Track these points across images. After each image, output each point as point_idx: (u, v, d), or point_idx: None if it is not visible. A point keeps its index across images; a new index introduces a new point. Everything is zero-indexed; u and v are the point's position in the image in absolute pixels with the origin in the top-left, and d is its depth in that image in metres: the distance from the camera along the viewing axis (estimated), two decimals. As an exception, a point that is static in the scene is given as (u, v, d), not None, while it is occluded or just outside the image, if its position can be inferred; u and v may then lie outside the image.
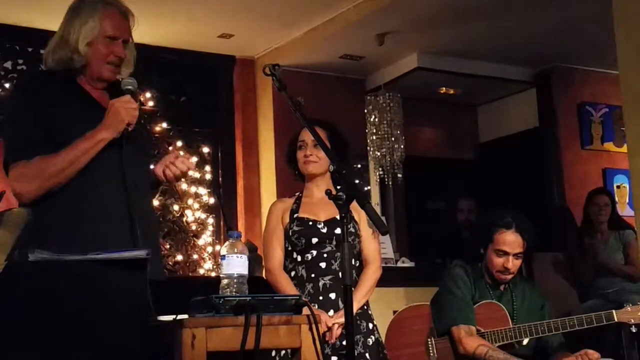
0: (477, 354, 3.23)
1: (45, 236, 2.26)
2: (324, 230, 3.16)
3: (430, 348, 3.34)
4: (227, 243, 2.33)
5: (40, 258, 2.20)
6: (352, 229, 3.15)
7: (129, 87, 2.43)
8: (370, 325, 3.19)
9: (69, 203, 2.28)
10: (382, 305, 3.64)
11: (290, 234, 3.17)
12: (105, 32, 2.43)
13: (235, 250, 2.29)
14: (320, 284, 3.12)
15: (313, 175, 3.26)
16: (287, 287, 3.10)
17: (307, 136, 3.25)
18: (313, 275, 3.14)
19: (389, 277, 4.85)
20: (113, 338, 2.21)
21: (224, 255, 2.30)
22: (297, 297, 2.28)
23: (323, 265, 3.14)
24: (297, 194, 3.33)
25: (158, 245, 2.47)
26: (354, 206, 3.14)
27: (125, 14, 2.49)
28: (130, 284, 2.28)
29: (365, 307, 3.19)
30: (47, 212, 2.27)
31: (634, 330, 3.21)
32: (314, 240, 3.15)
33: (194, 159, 6.45)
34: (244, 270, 2.29)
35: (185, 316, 2.18)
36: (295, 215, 3.20)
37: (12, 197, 2.41)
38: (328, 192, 3.29)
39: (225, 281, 2.28)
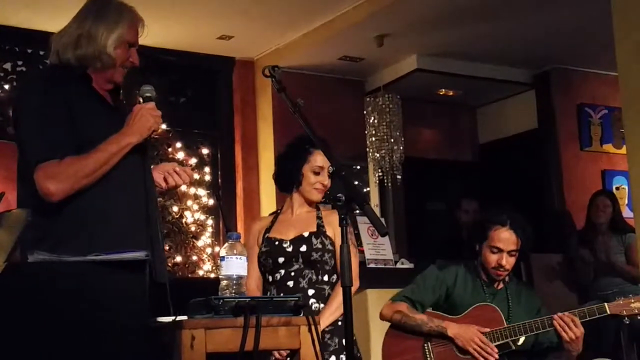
0: (394, 320, 3.39)
1: (64, 236, 2.26)
2: (289, 249, 3.12)
3: (427, 353, 3.34)
4: (226, 244, 2.33)
5: (40, 259, 2.20)
6: (319, 245, 3.11)
7: (148, 94, 2.45)
8: (353, 326, 3.14)
9: (92, 204, 2.29)
10: (381, 307, 3.64)
11: (259, 255, 3.17)
12: (128, 36, 2.47)
13: (235, 252, 2.29)
14: None
15: (314, 202, 3.24)
16: None
17: (325, 162, 3.19)
18: (282, 295, 3.09)
19: (389, 279, 4.85)
20: (112, 339, 2.21)
21: (223, 257, 2.30)
22: (297, 299, 2.29)
23: (291, 284, 3.11)
24: (277, 210, 3.33)
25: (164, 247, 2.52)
26: (329, 221, 3.16)
27: (141, 22, 2.55)
28: (129, 285, 2.29)
29: (340, 323, 3.08)
30: (67, 212, 2.27)
31: (627, 322, 3.21)
32: (281, 259, 3.12)
33: (194, 160, 6.46)
34: (243, 272, 2.30)
35: (185, 317, 2.18)
36: (266, 236, 3.20)
37: (11, 198, 2.41)
38: (327, 195, 3.30)
39: (224, 282, 2.28)
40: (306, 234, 3.14)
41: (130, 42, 2.49)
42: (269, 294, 3.16)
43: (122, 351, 2.22)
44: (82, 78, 2.43)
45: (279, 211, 3.31)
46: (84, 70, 2.44)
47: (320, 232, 3.14)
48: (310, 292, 3.11)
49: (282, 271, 3.13)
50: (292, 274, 3.12)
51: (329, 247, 3.12)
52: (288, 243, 3.14)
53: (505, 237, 3.34)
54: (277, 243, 3.15)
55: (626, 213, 6.28)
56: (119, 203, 2.33)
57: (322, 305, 3.09)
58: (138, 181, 2.41)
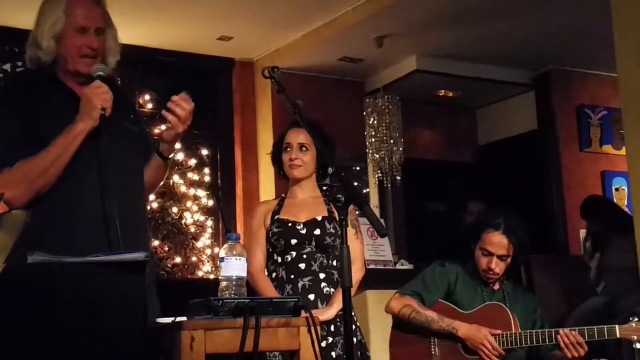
0: (402, 314, 3.37)
1: (27, 238, 2.24)
2: (303, 232, 3.15)
3: (433, 346, 3.36)
4: (225, 245, 2.33)
5: (39, 260, 2.20)
6: (332, 230, 3.15)
7: (100, 72, 2.34)
8: (352, 327, 3.19)
9: (46, 206, 2.25)
10: (381, 308, 3.64)
11: (270, 235, 3.17)
12: (73, 24, 2.34)
13: (234, 253, 2.29)
14: (300, 285, 3.12)
15: (298, 179, 3.26)
16: (266, 289, 3.10)
17: (292, 139, 3.26)
18: (292, 277, 3.13)
19: (388, 280, 4.85)
20: (111, 340, 2.21)
21: (222, 258, 2.30)
22: (296, 300, 2.28)
23: (302, 266, 3.14)
24: (282, 195, 3.34)
25: (146, 248, 2.37)
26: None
27: (94, 0, 2.40)
28: (128, 286, 2.28)
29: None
30: (31, 214, 2.26)
31: (638, 347, 3.08)
32: (293, 241, 3.14)
33: (193, 161, 6.46)
34: (243, 273, 2.29)
35: (184, 318, 2.18)
36: (276, 217, 3.20)
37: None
38: (327, 194, 3.31)
39: (223, 283, 2.28)
40: (319, 218, 3.17)
41: (76, 27, 2.34)
42: (275, 275, 3.17)
43: (121, 352, 2.21)
44: (47, 78, 2.37)
45: (283, 195, 3.32)
46: (49, 70, 2.38)
47: (332, 217, 3.17)
48: (322, 275, 3.14)
49: (294, 253, 3.15)
50: (304, 256, 3.14)
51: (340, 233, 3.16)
52: (301, 225, 3.16)
53: (497, 241, 3.34)
54: (289, 224, 3.16)
55: (626, 214, 6.27)
56: (70, 204, 2.25)
57: (332, 289, 3.13)
58: (93, 176, 2.29)
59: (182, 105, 2.43)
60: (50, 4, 2.36)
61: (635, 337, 3.06)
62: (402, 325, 3.44)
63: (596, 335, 3.11)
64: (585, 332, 3.13)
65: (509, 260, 3.36)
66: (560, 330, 3.14)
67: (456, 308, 3.38)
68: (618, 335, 3.08)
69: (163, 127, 2.45)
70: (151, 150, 2.56)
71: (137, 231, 2.38)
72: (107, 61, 2.43)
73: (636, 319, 3.09)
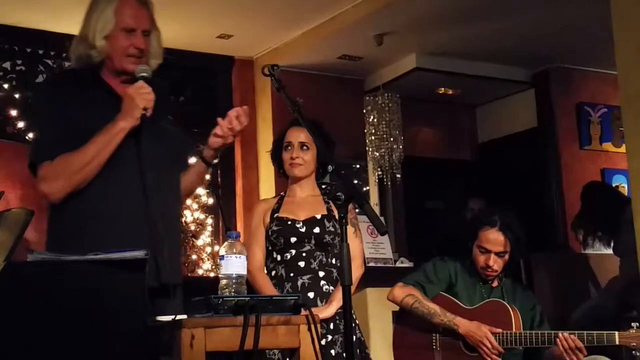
0: (404, 303, 3.38)
1: (64, 239, 2.25)
2: (303, 230, 3.17)
3: (434, 342, 3.37)
4: (225, 243, 2.33)
5: (39, 258, 2.20)
6: (331, 228, 3.15)
7: (143, 74, 2.40)
8: (352, 324, 3.20)
9: (86, 204, 2.27)
10: (381, 306, 3.64)
11: (270, 233, 3.20)
12: (122, 24, 2.38)
13: (234, 251, 2.29)
14: (299, 282, 3.14)
15: (298, 178, 3.26)
16: (265, 287, 3.12)
17: (293, 137, 3.27)
18: (292, 275, 3.15)
19: (388, 278, 4.85)
20: (111, 338, 2.21)
21: (222, 256, 2.30)
22: (296, 297, 2.29)
23: (302, 264, 3.15)
24: (281, 193, 3.36)
25: (179, 249, 2.41)
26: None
27: (143, 2, 2.44)
28: (129, 284, 2.28)
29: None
30: (66, 214, 2.27)
31: (637, 354, 3.09)
32: (293, 239, 3.16)
33: (192, 160, 6.45)
34: (243, 271, 2.30)
35: (184, 316, 2.18)
36: (276, 215, 3.22)
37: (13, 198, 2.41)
38: (326, 192, 3.32)
39: (224, 281, 2.28)
40: (318, 216, 3.19)
41: (125, 28, 2.40)
42: (275, 273, 3.19)
43: (121, 350, 2.22)
44: (90, 77, 2.41)
45: (283, 194, 3.34)
46: (92, 69, 2.42)
47: (331, 215, 3.18)
48: (321, 273, 3.15)
49: (293, 251, 3.16)
50: (304, 254, 3.16)
51: (338, 230, 3.17)
52: (301, 224, 3.18)
53: (493, 238, 3.35)
54: (289, 223, 3.18)
55: (626, 212, 6.26)
56: (111, 203, 2.29)
57: (331, 287, 3.13)
58: (134, 177, 2.34)
59: (242, 119, 2.47)
60: (102, 4, 2.40)
61: (634, 344, 3.05)
62: (404, 321, 3.45)
63: (595, 341, 3.11)
64: (585, 336, 3.13)
65: (506, 256, 3.38)
66: (560, 334, 3.15)
67: (457, 301, 3.39)
68: (617, 342, 3.08)
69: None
70: (188, 152, 2.58)
71: (173, 233, 2.41)
72: (149, 63, 2.47)
73: (636, 325, 3.08)
